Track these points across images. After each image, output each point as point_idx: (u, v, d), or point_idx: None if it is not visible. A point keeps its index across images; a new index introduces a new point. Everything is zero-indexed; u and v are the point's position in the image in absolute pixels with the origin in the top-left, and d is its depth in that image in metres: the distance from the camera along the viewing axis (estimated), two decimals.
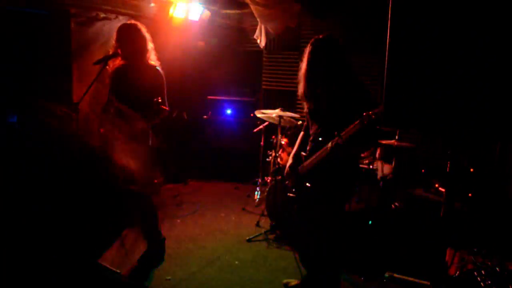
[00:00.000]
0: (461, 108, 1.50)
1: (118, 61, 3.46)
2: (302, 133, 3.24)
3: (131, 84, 3.37)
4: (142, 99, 3.29)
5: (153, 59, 3.51)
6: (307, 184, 2.94)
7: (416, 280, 3.04)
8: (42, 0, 4.61)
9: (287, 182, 3.22)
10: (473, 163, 3.73)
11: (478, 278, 2.41)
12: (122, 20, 5.06)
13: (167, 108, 3.46)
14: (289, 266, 3.71)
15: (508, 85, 1.43)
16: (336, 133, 2.66)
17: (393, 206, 4.50)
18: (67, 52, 4.94)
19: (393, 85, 1.58)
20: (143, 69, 3.43)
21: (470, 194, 3.66)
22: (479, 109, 1.48)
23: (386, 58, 1.57)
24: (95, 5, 5.03)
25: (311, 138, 3.00)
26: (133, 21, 3.48)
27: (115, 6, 5.20)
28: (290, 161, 3.18)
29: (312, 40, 2.88)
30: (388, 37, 1.57)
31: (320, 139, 2.85)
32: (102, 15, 5.13)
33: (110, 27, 4.98)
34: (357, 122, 2.57)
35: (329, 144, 2.71)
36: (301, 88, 2.97)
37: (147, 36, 3.47)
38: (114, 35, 3.41)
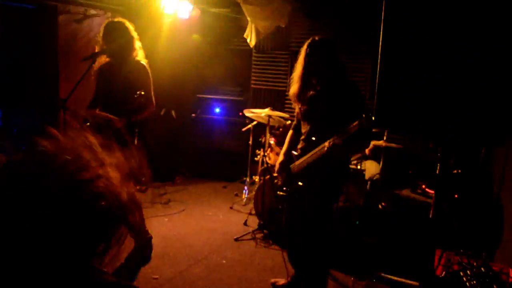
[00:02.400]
0: (450, 111, 1.52)
1: (103, 59, 3.42)
2: (291, 131, 3.23)
3: (117, 82, 3.33)
4: (127, 96, 3.25)
5: (140, 57, 3.47)
6: (300, 183, 2.94)
7: (405, 280, 3.07)
8: None
9: (276, 180, 3.22)
10: (460, 165, 3.78)
11: (464, 279, 2.44)
12: (111, 17, 5.01)
13: (153, 105, 3.42)
14: (276, 265, 3.72)
15: (495, 92, 1.46)
16: (336, 134, 2.67)
17: (379, 206, 4.53)
18: (53, 48, 4.87)
19: (385, 87, 1.60)
20: (129, 66, 3.38)
21: (456, 196, 3.71)
22: (467, 113, 1.50)
23: (379, 61, 1.58)
24: (84, 0, 4.97)
25: (303, 137, 3.00)
26: (120, 19, 3.44)
27: (105, 2, 5.14)
28: (281, 157, 3.17)
29: (309, 41, 2.88)
30: (381, 40, 1.58)
31: (313, 138, 2.86)
32: (91, 11, 5.07)
33: (99, 23, 4.93)
34: (356, 123, 2.57)
35: (326, 144, 2.71)
36: (295, 89, 2.97)
37: (134, 34, 3.43)
38: (100, 32, 3.37)
